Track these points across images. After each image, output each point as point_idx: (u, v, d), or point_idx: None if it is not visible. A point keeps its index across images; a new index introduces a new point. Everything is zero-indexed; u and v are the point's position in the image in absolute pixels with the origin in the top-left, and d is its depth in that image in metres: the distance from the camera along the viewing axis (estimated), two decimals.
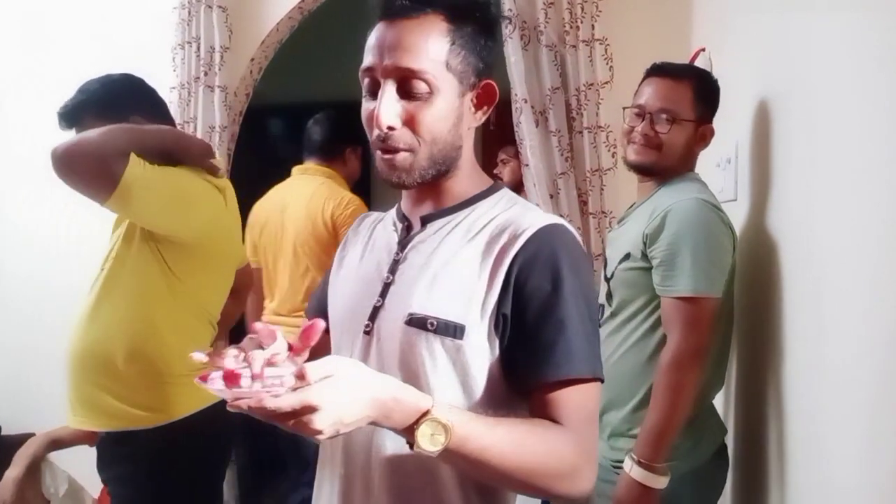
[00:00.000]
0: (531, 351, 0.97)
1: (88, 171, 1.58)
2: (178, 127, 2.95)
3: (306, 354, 0.89)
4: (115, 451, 1.80)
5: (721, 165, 2.03)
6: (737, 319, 1.72)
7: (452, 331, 0.97)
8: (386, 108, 0.97)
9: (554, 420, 0.95)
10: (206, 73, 2.96)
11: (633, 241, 1.63)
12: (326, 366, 0.82)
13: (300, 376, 0.80)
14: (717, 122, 1.98)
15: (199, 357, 0.89)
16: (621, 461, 1.59)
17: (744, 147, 1.87)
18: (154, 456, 1.74)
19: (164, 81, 2.96)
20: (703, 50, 2.31)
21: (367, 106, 1.02)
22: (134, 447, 1.76)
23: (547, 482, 0.93)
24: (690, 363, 1.52)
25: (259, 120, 3.73)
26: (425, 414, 0.86)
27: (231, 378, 0.84)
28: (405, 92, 0.98)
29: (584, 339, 0.98)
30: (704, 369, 1.55)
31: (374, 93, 1.00)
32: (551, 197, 2.60)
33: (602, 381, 1.00)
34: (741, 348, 1.80)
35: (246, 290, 2.21)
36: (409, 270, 1.04)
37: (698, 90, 1.71)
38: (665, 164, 1.70)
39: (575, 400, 0.96)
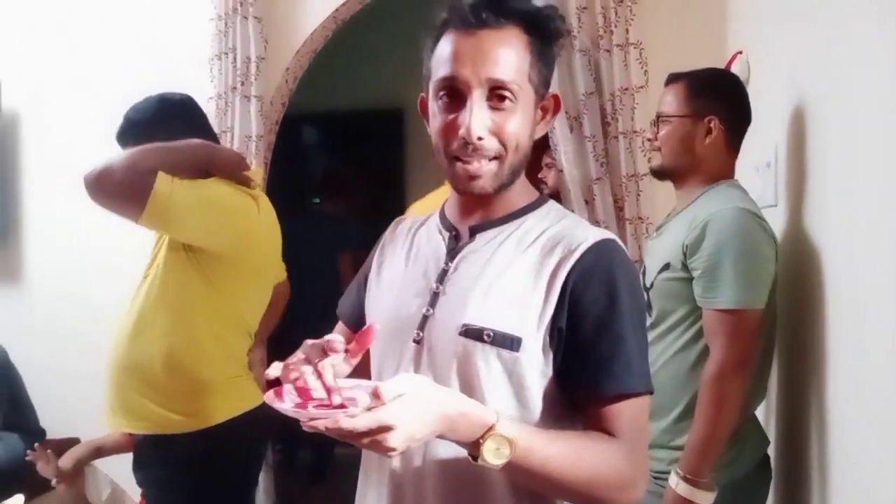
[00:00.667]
0: (588, 365, 0.98)
1: (117, 193, 1.68)
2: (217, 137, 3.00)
3: (359, 357, 0.94)
4: (152, 454, 1.84)
5: (760, 170, 2.00)
6: (778, 328, 1.69)
7: (509, 343, 0.98)
8: (478, 119, 0.99)
9: (609, 433, 0.97)
10: (242, 84, 2.99)
11: (673, 251, 1.62)
12: (398, 384, 0.85)
13: (376, 395, 0.82)
14: (756, 125, 1.95)
15: (275, 373, 0.90)
16: (661, 472, 1.57)
17: (782, 151, 1.84)
18: (190, 460, 1.78)
19: (202, 92, 3.02)
20: (741, 53, 2.28)
21: (443, 116, 1.02)
22: (170, 451, 1.79)
23: (603, 493, 0.95)
24: (734, 376, 1.49)
25: (295, 129, 3.77)
26: (490, 428, 0.88)
27: (303, 393, 0.86)
28: (492, 102, 1.00)
29: (639, 354, 1.00)
30: (748, 381, 1.53)
31: (451, 102, 1.01)
32: (587, 203, 2.58)
33: (652, 393, 1.02)
34: (782, 357, 1.76)
35: (283, 301, 2.23)
36: (461, 281, 1.05)
37: (691, 86, 1.72)
38: (669, 164, 1.72)
39: (629, 413, 0.98)
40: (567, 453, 0.93)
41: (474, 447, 0.89)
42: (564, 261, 1.00)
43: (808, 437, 1.56)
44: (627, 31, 2.57)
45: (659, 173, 1.76)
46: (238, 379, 1.84)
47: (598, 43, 2.58)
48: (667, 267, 1.63)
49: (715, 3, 2.62)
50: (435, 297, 1.06)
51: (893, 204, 1.12)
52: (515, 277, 1.02)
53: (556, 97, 1.08)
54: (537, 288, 1.00)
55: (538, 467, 0.91)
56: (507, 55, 0.99)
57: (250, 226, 1.81)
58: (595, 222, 2.56)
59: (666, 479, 1.56)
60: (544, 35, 1.03)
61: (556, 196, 3.32)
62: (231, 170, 1.80)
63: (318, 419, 0.81)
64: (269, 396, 0.88)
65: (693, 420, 1.53)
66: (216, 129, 2.99)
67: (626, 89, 2.56)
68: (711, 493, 1.51)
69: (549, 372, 1.01)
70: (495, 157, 1.01)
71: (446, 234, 1.11)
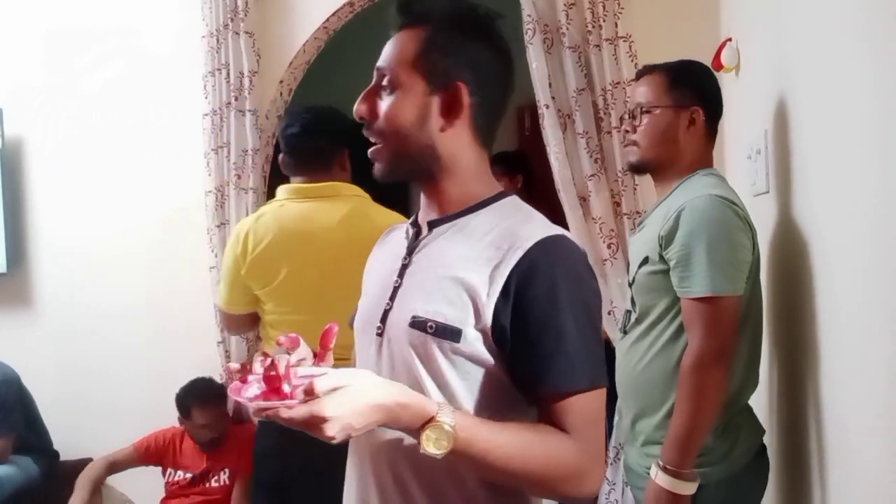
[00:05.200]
0: (533, 362, 1.00)
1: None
2: (213, 152, 3.01)
3: (330, 357, 1.03)
4: None
5: (752, 157, 1.97)
6: (772, 316, 1.66)
7: (450, 334, 1.01)
8: (361, 99, 1.09)
9: (559, 427, 0.99)
10: (236, 98, 3.01)
11: (650, 244, 1.60)
12: (338, 377, 0.90)
13: (308, 391, 0.88)
14: (746, 112, 1.93)
15: (234, 366, 1.00)
16: None
17: (772, 138, 1.81)
18: None
19: (196, 108, 3.04)
20: (730, 40, 2.25)
21: None
22: None
23: (552, 485, 0.99)
24: (713, 364, 1.47)
25: None
26: (431, 419, 0.93)
27: (268, 381, 0.93)
28: (379, 90, 1.09)
29: (583, 350, 1.00)
30: (729, 370, 1.50)
31: None
32: (584, 200, 2.56)
33: (605, 386, 1.02)
34: (779, 346, 1.73)
35: None
36: (416, 273, 1.10)
37: (672, 77, 1.69)
38: (652, 158, 1.68)
39: (578, 408, 0.99)
40: (512, 444, 0.96)
41: (417, 436, 0.93)
42: (508, 257, 1.01)
43: (804, 425, 1.53)
44: (616, 24, 2.55)
45: (638, 167, 1.73)
46: None
47: (587, 38, 2.56)
48: (646, 261, 1.61)
49: None
50: (395, 291, 1.11)
51: (881, 190, 1.09)
52: (462, 270, 1.04)
53: (455, 87, 1.07)
54: (479, 281, 1.02)
55: (480, 457, 0.95)
56: (393, 49, 1.08)
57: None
58: (591, 219, 2.54)
59: None
60: (434, 27, 1.08)
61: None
62: None
63: (265, 409, 0.89)
64: (233, 387, 0.95)
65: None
66: (213, 145, 3.02)
67: (618, 83, 2.54)
68: (693, 483, 1.48)
69: (493, 363, 1.02)
70: (380, 140, 1.08)
71: (411, 231, 1.17)
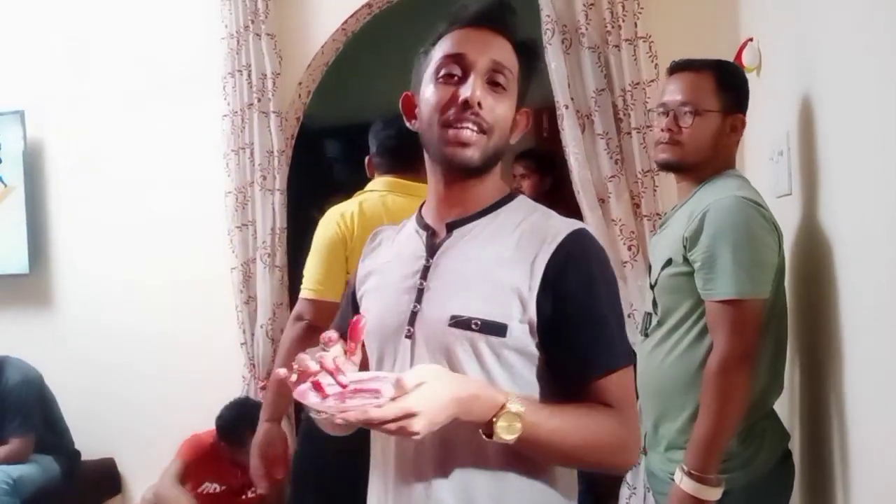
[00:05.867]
0: (576, 347, 1.07)
1: None
2: (234, 153, 3.03)
3: (360, 351, 1.04)
4: None
5: (774, 159, 1.95)
6: (795, 320, 1.64)
7: (496, 329, 1.05)
8: (480, 89, 1.08)
9: (603, 404, 1.06)
10: (259, 100, 3.02)
11: (674, 246, 1.58)
12: (417, 374, 0.94)
13: (400, 386, 0.91)
14: (768, 113, 1.90)
15: (291, 375, 0.98)
16: None
17: (794, 139, 1.79)
18: None
19: (215, 110, 3.05)
20: (752, 40, 2.23)
21: (443, 88, 1.09)
22: None
23: (604, 457, 1.07)
24: (738, 368, 1.45)
25: (311, 142, 3.78)
26: (502, 407, 0.98)
27: (319, 389, 0.94)
28: (489, 84, 1.09)
29: (617, 332, 1.09)
30: (753, 373, 1.48)
31: (452, 78, 1.09)
32: (602, 202, 2.55)
33: (634, 362, 1.11)
34: (801, 350, 1.71)
35: None
36: (444, 275, 1.11)
37: (720, 80, 1.65)
38: (692, 160, 1.64)
39: (618, 384, 1.07)
40: (570, 423, 1.02)
41: (488, 426, 0.98)
42: (542, 251, 1.07)
43: (829, 430, 1.51)
44: (636, 24, 2.54)
45: (676, 167, 1.68)
46: None
47: (606, 39, 2.55)
48: (669, 262, 1.59)
49: None
50: (420, 293, 1.12)
51: None
52: (499, 268, 1.08)
53: (528, 113, 1.16)
54: (518, 276, 1.06)
55: (545, 439, 1.00)
56: (507, 49, 1.11)
57: None
58: (611, 221, 2.53)
59: None
60: (527, 54, 1.14)
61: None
62: None
63: (349, 411, 0.90)
64: (300, 393, 0.95)
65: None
66: (234, 146, 3.03)
67: (638, 84, 2.52)
68: (718, 488, 1.47)
69: (536, 353, 1.07)
70: (484, 132, 1.08)
71: (423, 233, 1.17)
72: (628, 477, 2.63)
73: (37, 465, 3.07)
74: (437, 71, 1.10)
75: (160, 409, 3.20)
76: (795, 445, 1.63)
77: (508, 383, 1.06)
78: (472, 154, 1.08)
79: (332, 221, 2.08)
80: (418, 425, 0.91)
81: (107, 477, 3.37)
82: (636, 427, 1.11)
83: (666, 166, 1.69)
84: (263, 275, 3.00)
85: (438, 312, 1.08)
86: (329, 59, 3.17)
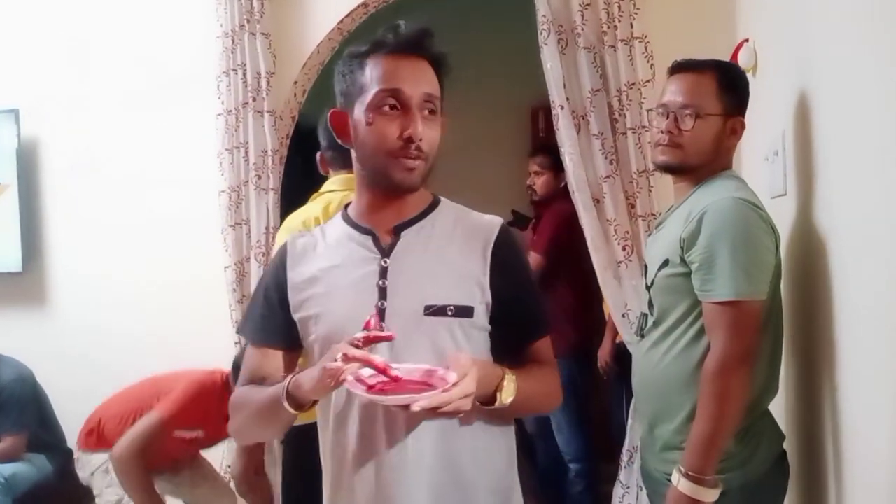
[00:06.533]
0: (519, 317, 1.27)
1: None
2: (228, 152, 3.02)
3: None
4: None
5: (770, 159, 1.95)
6: (790, 319, 1.64)
7: (466, 312, 1.22)
8: (420, 125, 1.19)
9: (538, 363, 1.29)
10: (254, 99, 3.01)
11: (671, 247, 1.57)
12: (459, 362, 1.08)
13: (462, 374, 1.06)
14: (764, 113, 1.90)
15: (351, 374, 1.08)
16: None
17: (790, 139, 1.79)
18: None
19: (209, 108, 3.04)
20: (747, 41, 2.24)
21: (385, 121, 1.19)
22: None
23: (550, 402, 1.33)
24: (736, 369, 1.45)
25: (306, 141, 3.77)
26: (503, 377, 1.17)
27: (362, 381, 1.09)
28: (423, 113, 1.20)
29: (543, 304, 1.34)
30: (752, 375, 1.48)
31: (391, 110, 1.19)
32: (597, 201, 2.55)
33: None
34: (795, 351, 1.71)
35: None
36: (407, 271, 1.23)
37: (722, 82, 1.64)
38: (693, 163, 1.63)
39: (547, 346, 1.32)
40: (533, 381, 1.23)
41: (492, 394, 1.15)
42: (486, 242, 1.26)
43: (823, 430, 1.51)
44: (632, 25, 2.54)
45: (675, 169, 1.67)
46: None
47: (602, 39, 2.55)
48: (666, 263, 1.58)
49: None
50: (383, 291, 1.22)
51: None
52: (453, 259, 1.24)
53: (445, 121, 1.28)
54: (474, 265, 1.24)
55: (522, 396, 1.19)
56: (432, 75, 1.22)
57: None
58: (605, 220, 2.53)
59: None
60: (443, 70, 1.24)
61: (551, 202, 3.26)
62: None
63: (421, 400, 1.03)
64: (369, 392, 1.07)
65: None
66: (228, 145, 3.02)
67: (633, 84, 2.53)
68: (716, 489, 1.46)
69: (488, 328, 1.26)
70: (424, 159, 1.21)
71: (366, 237, 1.27)
72: (622, 476, 2.64)
73: (30, 464, 3.07)
74: (375, 104, 1.18)
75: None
76: (790, 445, 1.63)
77: (474, 354, 1.18)
78: (416, 178, 1.21)
79: (293, 231, 1.98)
80: (469, 404, 1.07)
81: None
82: (559, 378, 1.32)
83: (665, 169, 1.68)
84: (258, 274, 2.99)
85: (411, 304, 1.21)
86: (325, 58, 3.16)
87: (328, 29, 3.04)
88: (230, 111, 3.02)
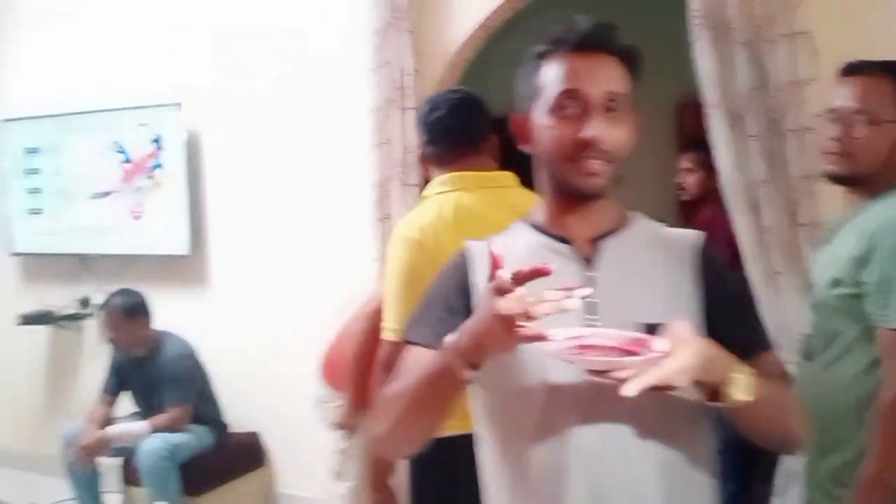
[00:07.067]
0: (739, 332, 1.14)
1: None
2: (375, 148, 3.12)
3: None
4: None
5: None
6: None
7: None
8: (602, 126, 1.11)
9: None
10: (401, 96, 3.09)
11: (842, 265, 1.49)
12: (676, 331, 0.97)
13: (676, 341, 0.94)
14: None
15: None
16: None
17: None
18: None
19: (362, 104, 3.14)
20: None
21: (563, 124, 1.12)
22: None
23: (791, 422, 1.13)
24: None
25: None
26: (734, 369, 1.01)
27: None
28: (607, 112, 1.12)
29: (760, 318, 1.25)
30: None
31: (571, 112, 1.12)
32: (753, 207, 2.43)
33: None
34: None
35: None
36: (614, 284, 1.14)
37: None
38: (866, 173, 1.54)
39: (776, 361, 1.19)
40: (772, 389, 1.07)
41: (722, 386, 1.00)
42: (693, 253, 1.17)
43: None
44: (794, 18, 2.39)
45: (846, 180, 1.58)
46: None
47: (759, 34, 2.42)
48: (836, 283, 1.50)
49: None
50: (592, 306, 1.11)
51: None
52: (660, 272, 1.16)
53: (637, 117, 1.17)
54: (682, 277, 1.15)
55: (762, 401, 1.02)
56: (616, 71, 1.14)
57: None
58: (762, 227, 2.40)
59: None
60: (634, 68, 1.16)
61: (703, 202, 3.13)
62: None
63: (627, 367, 0.90)
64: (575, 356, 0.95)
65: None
66: (375, 140, 3.12)
67: (795, 83, 2.38)
68: None
69: None
70: (609, 160, 1.12)
71: (564, 245, 1.18)
72: None
73: (192, 434, 3.32)
74: (554, 107, 1.12)
75: (306, 387, 3.35)
76: None
77: None
78: (601, 182, 1.13)
79: (412, 240, 1.78)
80: (685, 380, 0.94)
81: (252, 450, 3.60)
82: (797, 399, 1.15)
83: (835, 179, 1.59)
84: None
85: (622, 319, 1.09)
86: (469, 55, 3.18)
87: (473, 27, 3.06)
88: (380, 108, 3.11)
